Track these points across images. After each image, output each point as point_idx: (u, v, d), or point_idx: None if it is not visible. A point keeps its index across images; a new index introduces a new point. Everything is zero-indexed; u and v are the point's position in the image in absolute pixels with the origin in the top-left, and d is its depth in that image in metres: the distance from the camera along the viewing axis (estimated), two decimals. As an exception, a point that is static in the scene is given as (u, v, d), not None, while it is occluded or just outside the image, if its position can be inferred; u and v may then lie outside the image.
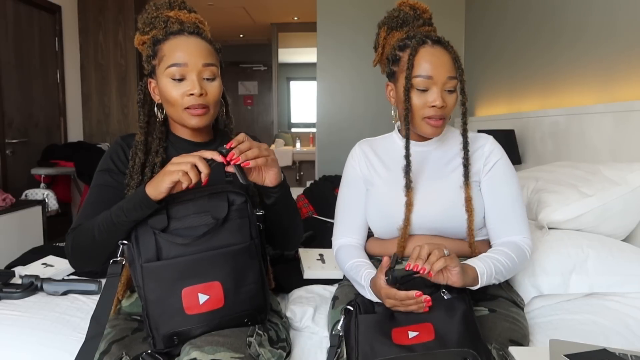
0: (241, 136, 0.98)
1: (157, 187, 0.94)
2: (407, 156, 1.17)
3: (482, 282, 1.05)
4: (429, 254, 0.97)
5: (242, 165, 0.94)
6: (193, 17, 1.17)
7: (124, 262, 1.02)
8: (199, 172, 0.93)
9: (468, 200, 1.16)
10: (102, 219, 1.00)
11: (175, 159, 0.94)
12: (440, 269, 0.96)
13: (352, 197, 1.30)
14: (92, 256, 1.05)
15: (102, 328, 0.96)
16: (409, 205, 1.17)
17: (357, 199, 1.29)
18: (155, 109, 1.17)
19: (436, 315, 0.98)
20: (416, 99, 1.15)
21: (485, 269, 1.06)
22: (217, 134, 1.24)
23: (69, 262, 1.09)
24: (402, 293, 0.98)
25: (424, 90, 1.14)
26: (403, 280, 1.00)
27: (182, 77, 1.08)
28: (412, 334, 0.97)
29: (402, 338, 0.97)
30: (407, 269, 0.97)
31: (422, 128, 1.17)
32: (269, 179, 1.03)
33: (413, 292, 0.98)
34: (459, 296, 1.01)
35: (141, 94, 1.17)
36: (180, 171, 0.92)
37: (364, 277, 1.13)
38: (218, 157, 0.94)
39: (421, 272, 0.96)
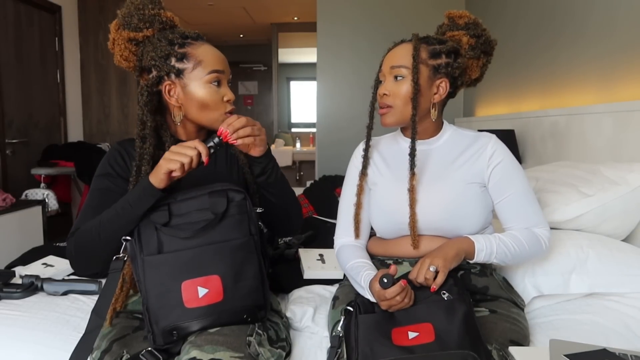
0: (233, 117, 1.04)
1: (157, 175, 0.98)
2: (412, 155, 1.17)
3: (478, 257, 1.13)
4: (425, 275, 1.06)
5: (230, 143, 1.02)
6: (177, 19, 1.20)
7: (125, 259, 1.03)
8: (196, 161, 0.99)
9: (412, 192, 1.17)
10: (106, 216, 1.02)
11: (174, 148, 0.99)
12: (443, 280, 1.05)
13: (355, 198, 1.29)
14: (95, 256, 1.05)
15: (102, 321, 0.97)
16: (412, 204, 1.17)
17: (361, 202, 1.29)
18: (179, 115, 1.13)
19: (436, 316, 0.98)
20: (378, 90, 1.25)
21: (485, 246, 1.13)
22: (210, 133, 1.24)
23: (72, 266, 1.09)
24: (391, 290, 1.00)
25: (381, 82, 1.24)
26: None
27: (219, 83, 1.13)
28: (412, 335, 0.97)
29: (402, 339, 0.97)
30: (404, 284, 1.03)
31: None
32: (253, 151, 1.10)
33: (398, 285, 1.00)
34: (459, 297, 1.01)
35: (149, 96, 1.09)
36: (178, 162, 0.97)
37: (364, 279, 1.14)
38: (204, 151, 0.99)
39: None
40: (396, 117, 1.20)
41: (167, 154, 0.98)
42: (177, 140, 1.16)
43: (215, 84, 1.12)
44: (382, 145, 1.33)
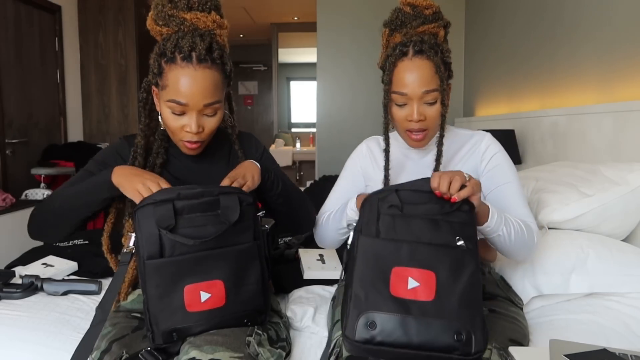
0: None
1: (122, 186, 1.03)
2: (387, 169, 1.19)
3: (491, 220, 1.04)
4: (450, 183, 0.95)
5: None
6: (210, 22, 1.09)
7: (133, 251, 1.02)
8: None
9: None
10: (67, 191, 1.05)
11: (147, 179, 1.02)
12: (467, 195, 0.95)
13: (347, 190, 1.32)
14: (47, 226, 1.08)
15: (106, 315, 0.99)
16: None
17: (351, 193, 1.31)
18: (160, 117, 1.15)
19: (442, 266, 0.90)
20: (396, 112, 1.18)
21: (496, 212, 1.05)
22: (217, 134, 1.24)
23: (29, 230, 1.11)
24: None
25: (403, 105, 1.17)
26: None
27: (182, 113, 1.08)
28: (412, 284, 0.90)
29: (400, 286, 0.90)
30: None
31: (406, 140, 1.22)
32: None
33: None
34: (472, 248, 0.93)
35: (145, 93, 1.15)
36: (138, 192, 1.00)
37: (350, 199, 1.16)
38: None
39: (445, 198, 0.96)
40: (432, 136, 1.20)
41: (137, 183, 1.01)
42: (167, 137, 1.18)
43: (176, 113, 1.07)
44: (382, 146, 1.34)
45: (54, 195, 1.08)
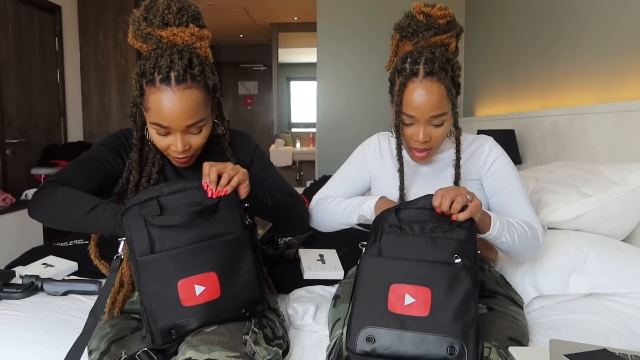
0: (205, 169, 1.01)
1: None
2: (402, 188, 1.21)
3: (493, 229, 1.06)
4: (452, 202, 0.97)
5: (222, 195, 1.01)
6: (187, 36, 1.06)
7: (122, 257, 1.03)
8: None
9: None
10: (91, 208, 1.04)
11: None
12: (466, 218, 0.97)
13: (351, 179, 1.36)
14: (62, 222, 1.08)
15: (97, 321, 0.98)
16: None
17: (354, 184, 1.36)
18: (146, 132, 1.15)
19: (438, 281, 0.93)
20: (404, 129, 1.20)
21: (498, 220, 1.07)
22: (210, 139, 1.20)
23: (31, 209, 1.08)
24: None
25: (410, 124, 1.17)
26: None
27: (167, 134, 1.08)
28: (408, 300, 0.93)
29: (397, 302, 0.94)
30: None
31: (410, 155, 1.24)
32: (240, 193, 1.06)
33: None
34: (470, 265, 0.95)
35: (134, 108, 1.12)
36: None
37: (369, 198, 1.19)
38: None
39: (446, 214, 0.98)
40: (434, 153, 1.23)
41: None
42: (157, 149, 1.16)
43: (162, 134, 1.08)
44: (392, 144, 1.35)
45: (76, 197, 1.06)
